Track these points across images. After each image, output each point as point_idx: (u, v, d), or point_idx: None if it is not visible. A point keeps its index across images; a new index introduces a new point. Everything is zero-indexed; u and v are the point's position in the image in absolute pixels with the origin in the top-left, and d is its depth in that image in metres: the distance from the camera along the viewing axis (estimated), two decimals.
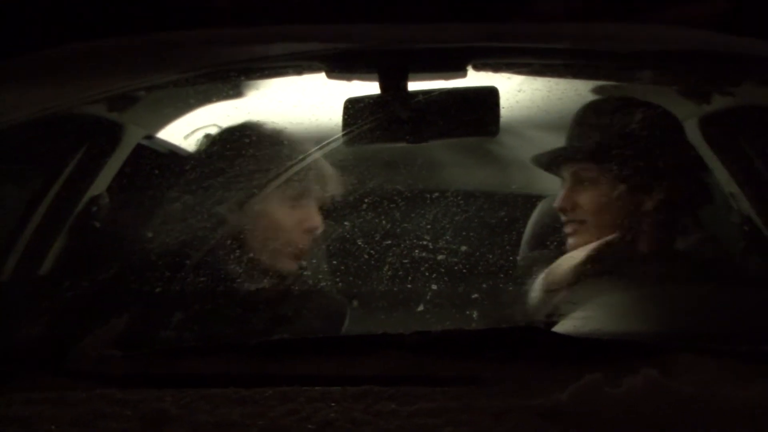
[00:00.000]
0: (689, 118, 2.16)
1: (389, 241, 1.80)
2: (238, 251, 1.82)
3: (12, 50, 2.10)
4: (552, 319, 1.67)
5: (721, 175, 2.13)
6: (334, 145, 1.92)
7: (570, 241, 1.97)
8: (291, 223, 1.92)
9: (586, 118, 2.03)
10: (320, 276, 1.90)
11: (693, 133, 2.16)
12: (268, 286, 1.83)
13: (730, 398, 1.19)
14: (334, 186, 1.96)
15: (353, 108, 1.96)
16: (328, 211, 1.94)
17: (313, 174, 1.93)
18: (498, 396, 1.22)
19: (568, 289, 1.82)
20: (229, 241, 1.82)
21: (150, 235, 1.75)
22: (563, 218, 2.00)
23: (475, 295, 1.72)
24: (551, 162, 2.07)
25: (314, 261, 1.95)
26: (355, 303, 1.85)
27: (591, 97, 2.10)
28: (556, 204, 2.01)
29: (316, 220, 1.94)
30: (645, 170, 1.92)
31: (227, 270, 1.79)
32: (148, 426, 1.17)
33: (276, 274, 1.87)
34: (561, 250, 1.97)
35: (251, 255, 1.84)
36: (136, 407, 1.21)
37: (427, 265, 1.78)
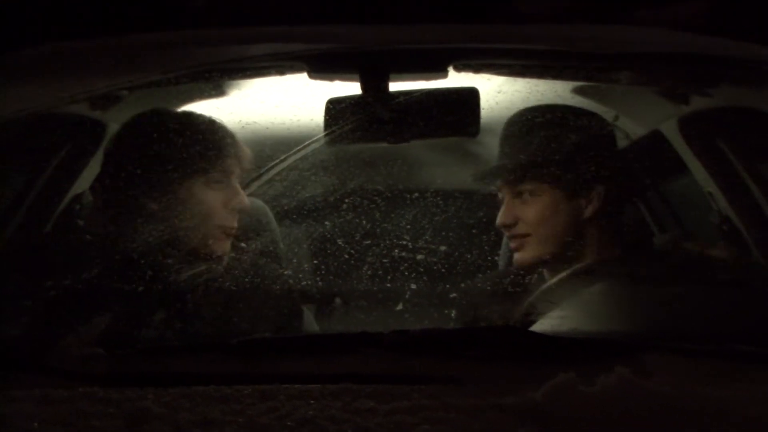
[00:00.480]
0: (668, 118, 2.18)
1: (369, 241, 1.81)
2: (170, 239, 1.81)
3: None
4: (530, 318, 1.68)
5: (700, 175, 2.15)
6: (315, 146, 1.93)
7: (516, 255, 1.96)
8: (217, 204, 1.92)
9: (512, 132, 2.03)
10: (275, 276, 1.90)
11: (672, 133, 2.18)
12: (204, 271, 1.83)
13: (704, 397, 1.21)
14: (249, 163, 1.96)
15: (335, 108, 1.96)
16: (309, 210, 1.95)
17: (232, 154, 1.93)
18: (474, 394, 1.24)
19: None
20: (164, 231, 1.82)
21: (132, 234, 1.75)
22: (506, 234, 1.99)
23: (454, 295, 1.74)
24: (486, 180, 2.07)
25: (268, 260, 1.96)
26: (338, 301, 1.87)
27: (570, 98, 2.12)
28: (497, 222, 1.97)
29: (241, 198, 1.94)
30: (580, 176, 1.92)
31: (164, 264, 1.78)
32: (131, 424, 1.18)
33: (209, 256, 1.87)
34: None
35: (184, 241, 1.84)
36: (119, 406, 1.22)
37: (406, 264, 1.79)
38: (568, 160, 1.92)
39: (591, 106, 2.15)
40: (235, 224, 1.92)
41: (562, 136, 1.94)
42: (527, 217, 1.93)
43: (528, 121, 2.00)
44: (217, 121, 1.96)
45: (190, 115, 1.98)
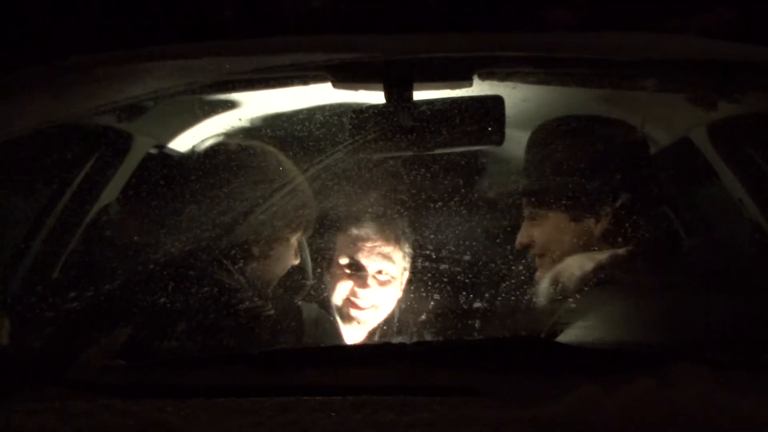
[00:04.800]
0: (697, 125, 2.16)
1: None
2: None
3: (18, 62, 2.11)
4: (554, 328, 1.66)
5: (729, 182, 2.13)
6: (339, 155, 1.93)
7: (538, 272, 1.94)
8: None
9: (534, 145, 2.02)
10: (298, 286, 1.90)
11: (701, 140, 2.16)
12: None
13: (726, 409, 1.19)
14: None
15: (359, 118, 1.96)
16: (333, 220, 1.95)
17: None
18: (495, 406, 1.22)
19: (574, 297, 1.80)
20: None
21: (155, 245, 1.76)
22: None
23: (477, 305, 1.72)
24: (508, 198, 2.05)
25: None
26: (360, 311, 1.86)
27: (596, 106, 2.10)
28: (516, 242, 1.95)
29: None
30: (603, 189, 1.90)
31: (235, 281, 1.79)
32: None
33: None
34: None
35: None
36: (138, 417, 1.21)
37: (429, 274, 1.78)
38: (591, 174, 1.90)
39: (618, 114, 2.13)
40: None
41: (589, 148, 1.92)
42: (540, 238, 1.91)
43: (551, 134, 1.99)
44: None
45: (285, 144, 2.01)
